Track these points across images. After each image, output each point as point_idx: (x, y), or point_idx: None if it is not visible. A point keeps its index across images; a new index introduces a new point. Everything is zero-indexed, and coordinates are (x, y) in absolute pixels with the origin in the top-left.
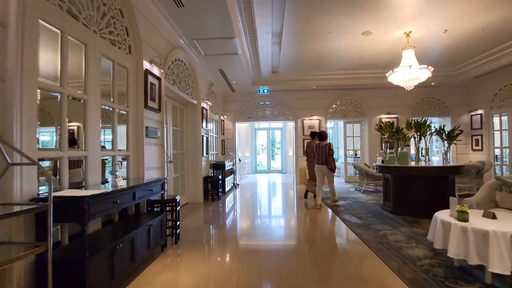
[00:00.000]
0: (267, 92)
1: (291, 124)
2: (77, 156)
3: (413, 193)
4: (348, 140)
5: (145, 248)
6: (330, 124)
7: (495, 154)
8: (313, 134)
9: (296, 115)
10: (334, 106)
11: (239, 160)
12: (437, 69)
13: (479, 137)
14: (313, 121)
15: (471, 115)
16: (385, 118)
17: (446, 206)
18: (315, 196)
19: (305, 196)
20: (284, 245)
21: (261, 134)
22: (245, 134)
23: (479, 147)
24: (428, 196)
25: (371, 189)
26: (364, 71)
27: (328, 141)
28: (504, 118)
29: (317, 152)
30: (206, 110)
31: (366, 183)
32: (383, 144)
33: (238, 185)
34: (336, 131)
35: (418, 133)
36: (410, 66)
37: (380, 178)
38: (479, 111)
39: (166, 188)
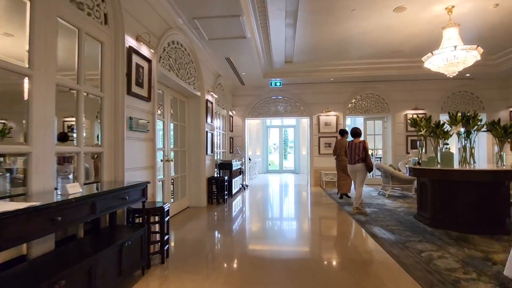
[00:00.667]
0: (280, 85)
1: (305, 122)
2: (12, 152)
3: (457, 202)
4: (368, 138)
5: (114, 276)
6: (347, 121)
7: None
8: (342, 132)
9: (311, 111)
10: (353, 100)
11: (249, 159)
12: None
13: None
14: (330, 117)
15: (510, 111)
16: (411, 113)
17: (499, 218)
18: (344, 194)
19: (341, 197)
20: (300, 270)
21: (273, 132)
22: (256, 132)
23: None
24: (476, 206)
25: (397, 193)
26: (389, 60)
27: (361, 138)
28: None
29: (349, 150)
30: (212, 103)
31: (392, 187)
32: (418, 142)
33: (247, 186)
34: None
35: (465, 129)
36: (455, 46)
37: (408, 181)
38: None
39: (152, 193)
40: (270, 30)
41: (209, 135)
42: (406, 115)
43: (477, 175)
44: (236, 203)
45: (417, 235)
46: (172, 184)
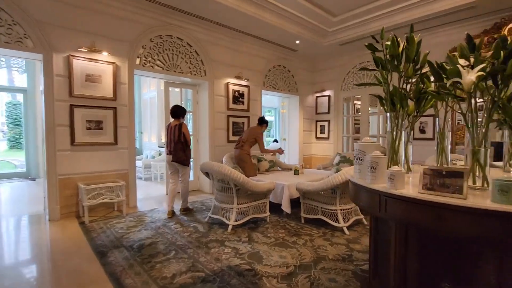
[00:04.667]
0: None
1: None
2: None
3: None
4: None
5: None
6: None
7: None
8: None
9: (54, 42)
10: (150, 44)
11: None
12: (312, 16)
13: (326, 123)
14: (99, 66)
15: (317, 96)
16: (233, 85)
17: None
18: None
19: None
20: None
21: None
22: None
23: (325, 135)
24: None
25: (240, 218)
26: None
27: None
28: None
29: (167, 135)
30: None
31: (238, 209)
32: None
33: None
34: (139, 98)
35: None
36: None
37: (263, 195)
38: (327, 92)
39: None
40: None
41: None
42: (227, 84)
43: None
44: None
45: None
46: None
